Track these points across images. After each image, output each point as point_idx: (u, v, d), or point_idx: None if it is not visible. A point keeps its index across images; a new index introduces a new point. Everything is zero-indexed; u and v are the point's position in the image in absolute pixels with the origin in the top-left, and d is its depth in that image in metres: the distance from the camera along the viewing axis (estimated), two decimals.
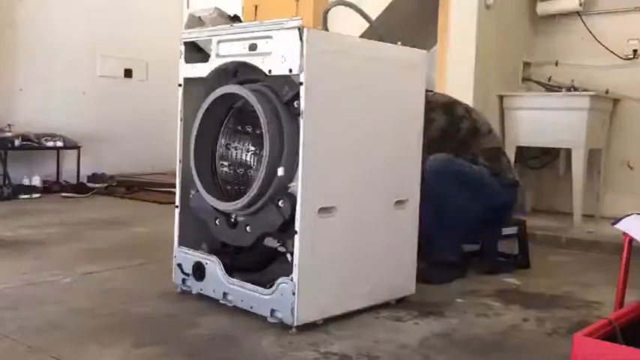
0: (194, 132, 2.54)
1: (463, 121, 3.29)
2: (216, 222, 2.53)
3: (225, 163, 2.61)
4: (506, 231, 3.36)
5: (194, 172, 2.54)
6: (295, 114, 2.24)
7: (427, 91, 3.18)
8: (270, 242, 2.47)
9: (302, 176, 2.20)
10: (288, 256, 2.31)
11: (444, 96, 3.50)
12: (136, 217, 4.79)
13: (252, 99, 2.30)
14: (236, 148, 2.63)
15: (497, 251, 3.36)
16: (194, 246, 2.64)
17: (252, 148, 2.61)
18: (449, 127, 3.24)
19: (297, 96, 2.21)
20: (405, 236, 2.64)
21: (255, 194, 2.31)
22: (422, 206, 2.77)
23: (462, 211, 3.05)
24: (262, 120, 2.27)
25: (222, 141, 2.60)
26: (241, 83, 2.44)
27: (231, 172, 2.61)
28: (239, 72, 2.48)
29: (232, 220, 2.50)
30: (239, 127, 2.62)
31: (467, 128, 3.28)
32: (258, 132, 2.43)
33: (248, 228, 2.42)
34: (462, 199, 3.04)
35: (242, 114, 2.56)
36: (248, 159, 2.63)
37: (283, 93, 2.26)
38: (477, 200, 3.08)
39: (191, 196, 2.61)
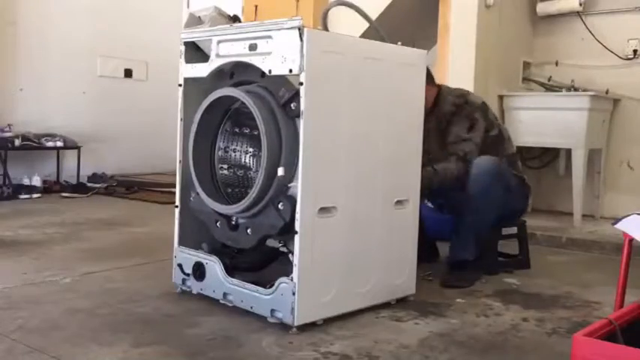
0: (192, 135, 2.53)
1: (494, 126, 3.27)
2: (217, 224, 2.53)
3: (225, 166, 2.61)
4: (506, 231, 3.37)
5: (193, 176, 2.54)
6: (292, 116, 2.24)
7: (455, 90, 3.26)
8: (272, 242, 2.47)
9: (302, 176, 2.20)
10: (290, 256, 2.31)
11: (476, 96, 3.43)
12: (136, 217, 4.79)
13: (248, 101, 2.30)
14: (235, 151, 2.63)
15: (498, 251, 3.36)
16: (194, 246, 2.64)
17: (251, 150, 2.61)
18: (486, 130, 3.20)
19: (293, 98, 2.21)
20: (405, 236, 2.64)
21: (255, 197, 2.31)
22: (423, 207, 2.78)
23: (493, 213, 3.06)
24: (259, 122, 2.26)
25: (220, 143, 2.60)
26: (237, 85, 2.44)
27: (231, 174, 2.61)
28: (235, 73, 2.48)
29: (233, 222, 2.50)
30: (237, 129, 2.62)
31: (496, 134, 3.26)
32: (255, 133, 2.43)
33: (249, 230, 2.42)
34: (500, 202, 3.04)
35: (239, 116, 2.56)
36: (247, 161, 2.63)
37: (280, 95, 2.25)
38: (505, 203, 3.09)
39: (191, 198, 2.61)
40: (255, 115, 2.27)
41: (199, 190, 2.53)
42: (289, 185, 2.29)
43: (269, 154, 2.26)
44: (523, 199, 3.34)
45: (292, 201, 2.23)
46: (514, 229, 3.40)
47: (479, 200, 2.98)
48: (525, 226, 3.47)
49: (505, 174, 3.10)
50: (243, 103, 2.34)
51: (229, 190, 2.58)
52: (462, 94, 3.27)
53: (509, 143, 3.36)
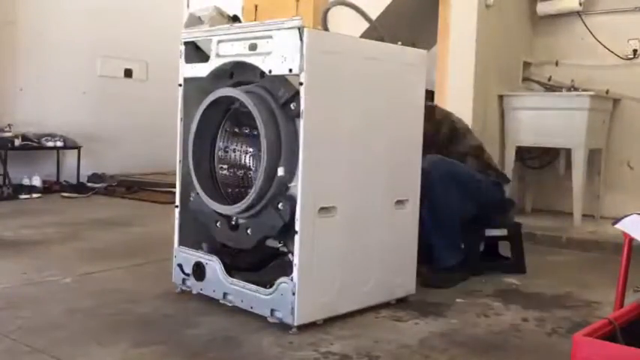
0: (192, 135, 2.53)
1: (442, 125, 3.28)
2: (217, 224, 2.53)
3: (225, 166, 2.61)
4: (491, 232, 3.27)
5: (193, 176, 2.54)
6: (292, 115, 2.24)
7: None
8: (272, 242, 2.47)
9: (302, 176, 2.20)
10: (290, 256, 2.31)
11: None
12: (136, 217, 4.79)
13: (247, 101, 2.29)
14: (234, 151, 2.63)
15: (479, 252, 3.27)
16: (194, 246, 2.64)
17: (251, 150, 2.61)
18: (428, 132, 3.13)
19: (293, 98, 2.21)
20: (405, 236, 2.64)
21: (255, 197, 2.31)
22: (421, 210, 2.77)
23: (458, 212, 3.01)
24: (259, 123, 2.26)
25: (220, 144, 2.60)
26: (237, 85, 2.44)
27: (231, 174, 2.61)
28: (235, 73, 2.48)
29: (233, 222, 2.50)
30: (236, 129, 2.62)
31: (445, 132, 3.28)
32: (255, 133, 2.43)
33: (249, 231, 2.42)
34: (458, 199, 2.99)
35: (239, 116, 2.56)
36: (247, 161, 2.63)
37: (279, 95, 2.25)
38: (468, 199, 3.05)
39: (191, 198, 2.61)
40: (255, 115, 2.27)
41: (199, 190, 2.53)
42: (289, 185, 2.29)
43: (269, 155, 2.26)
44: (494, 192, 3.26)
45: (292, 201, 2.23)
46: (503, 231, 3.29)
47: (434, 205, 2.93)
48: (519, 228, 3.36)
49: (450, 169, 3.02)
50: (242, 103, 2.34)
51: (229, 190, 2.58)
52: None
53: (470, 137, 3.35)
